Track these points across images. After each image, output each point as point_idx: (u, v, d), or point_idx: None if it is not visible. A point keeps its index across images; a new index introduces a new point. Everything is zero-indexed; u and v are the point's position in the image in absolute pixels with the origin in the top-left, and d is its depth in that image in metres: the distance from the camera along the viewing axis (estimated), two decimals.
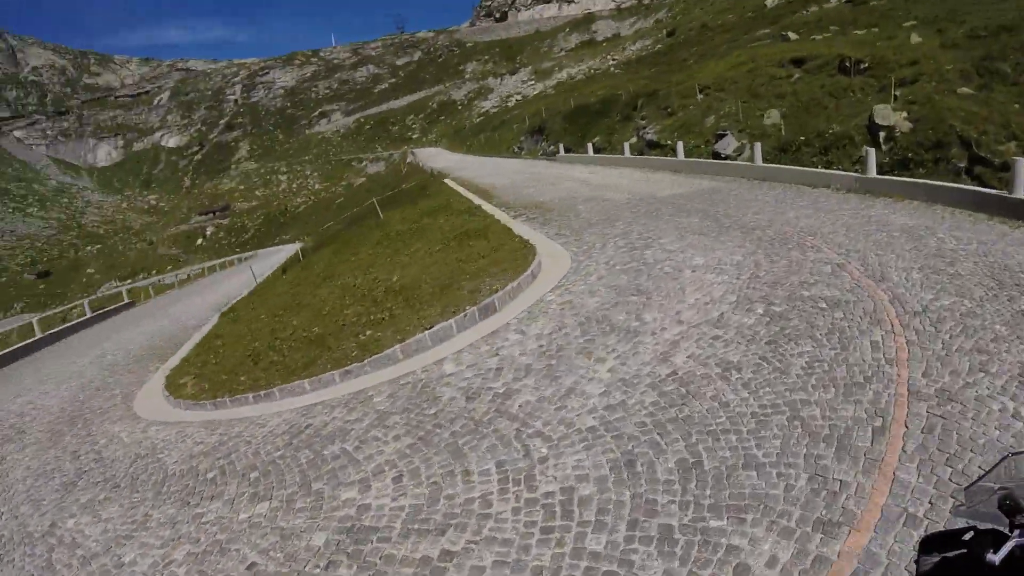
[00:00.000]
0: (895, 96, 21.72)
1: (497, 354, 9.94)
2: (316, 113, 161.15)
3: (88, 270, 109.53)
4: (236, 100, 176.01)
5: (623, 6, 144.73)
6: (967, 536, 1.48)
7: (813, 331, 8.30)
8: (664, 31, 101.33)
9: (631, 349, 8.87)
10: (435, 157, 72.36)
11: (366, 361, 10.94)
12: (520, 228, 18.91)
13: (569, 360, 8.95)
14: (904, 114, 20.32)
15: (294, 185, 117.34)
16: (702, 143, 29.05)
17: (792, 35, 39.99)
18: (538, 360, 9.24)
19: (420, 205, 27.40)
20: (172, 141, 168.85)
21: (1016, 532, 1.37)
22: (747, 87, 31.48)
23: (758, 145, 22.84)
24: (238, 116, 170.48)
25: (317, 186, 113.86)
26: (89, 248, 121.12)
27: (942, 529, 1.82)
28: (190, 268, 68.56)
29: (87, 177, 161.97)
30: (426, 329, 11.40)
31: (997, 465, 1.55)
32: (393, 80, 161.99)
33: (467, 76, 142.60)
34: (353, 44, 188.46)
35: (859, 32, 33.94)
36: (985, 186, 16.09)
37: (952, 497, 4.86)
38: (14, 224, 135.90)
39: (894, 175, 18.47)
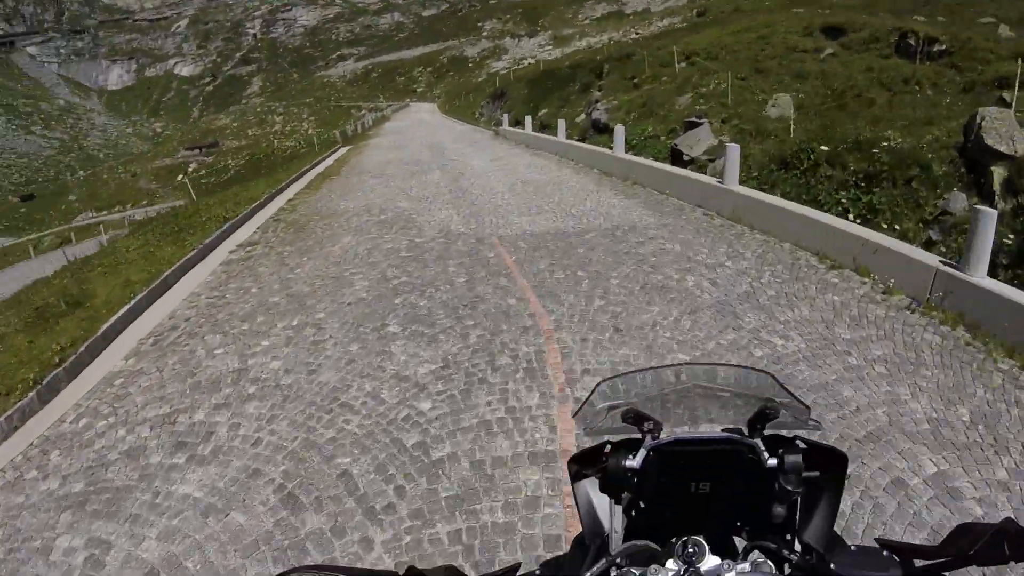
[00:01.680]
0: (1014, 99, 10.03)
1: None
2: (335, 55, 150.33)
3: (70, 197, 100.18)
4: (255, 35, 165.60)
5: None
6: (607, 449, 1.45)
7: None
8: (694, 10, 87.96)
9: None
10: (411, 114, 63.37)
11: None
12: (181, 291, 9.77)
13: None
14: None
15: (287, 128, 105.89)
16: (664, 133, 17.24)
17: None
18: None
19: (232, 191, 18.03)
20: (185, 70, 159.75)
21: (647, 437, 1.42)
22: (750, 59, 19.67)
23: (734, 150, 10.83)
24: (255, 51, 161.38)
25: (311, 131, 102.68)
26: (81, 172, 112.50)
27: (583, 448, 1.49)
28: (160, 206, 60.49)
29: (96, 99, 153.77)
30: None
31: (593, 391, 1.51)
32: (413, 29, 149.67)
33: (484, 34, 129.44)
34: None
35: (919, 19, 21.82)
36: None
37: None
38: (15, 142, 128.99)
39: None
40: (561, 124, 20.46)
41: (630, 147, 16.47)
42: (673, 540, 1.20)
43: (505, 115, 30.54)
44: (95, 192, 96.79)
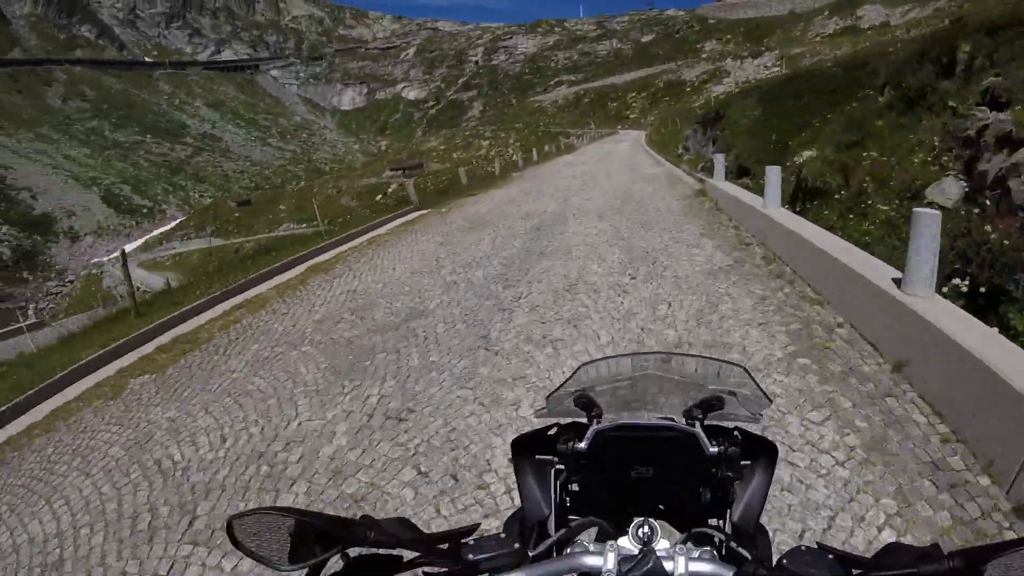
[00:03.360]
0: None
1: None
2: (552, 82, 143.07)
3: (280, 206, 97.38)
4: (477, 62, 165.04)
5: None
6: (552, 432, 1.50)
7: None
8: (945, 20, 66.72)
9: None
10: (604, 145, 52.52)
11: None
12: None
13: None
14: None
15: (492, 152, 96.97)
16: None
17: None
18: None
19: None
20: (412, 94, 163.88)
21: (594, 422, 1.44)
22: None
23: None
24: (476, 77, 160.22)
25: (514, 157, 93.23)
26: (303, 183, 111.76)
27: (529, 431, 1.53)
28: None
29: (329, 118, 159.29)
30: None
31: (575, 373, 1.61)
32: (629, 55, 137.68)
33: (703, 56, 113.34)
34: (600, 17, 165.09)
35: None
36: None
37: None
38: (251, 151, 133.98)
39: None
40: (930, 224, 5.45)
41: None
42: (633, 521, 1.17)
43: (718, 156, 15.43)
44: (302, 204, 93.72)
